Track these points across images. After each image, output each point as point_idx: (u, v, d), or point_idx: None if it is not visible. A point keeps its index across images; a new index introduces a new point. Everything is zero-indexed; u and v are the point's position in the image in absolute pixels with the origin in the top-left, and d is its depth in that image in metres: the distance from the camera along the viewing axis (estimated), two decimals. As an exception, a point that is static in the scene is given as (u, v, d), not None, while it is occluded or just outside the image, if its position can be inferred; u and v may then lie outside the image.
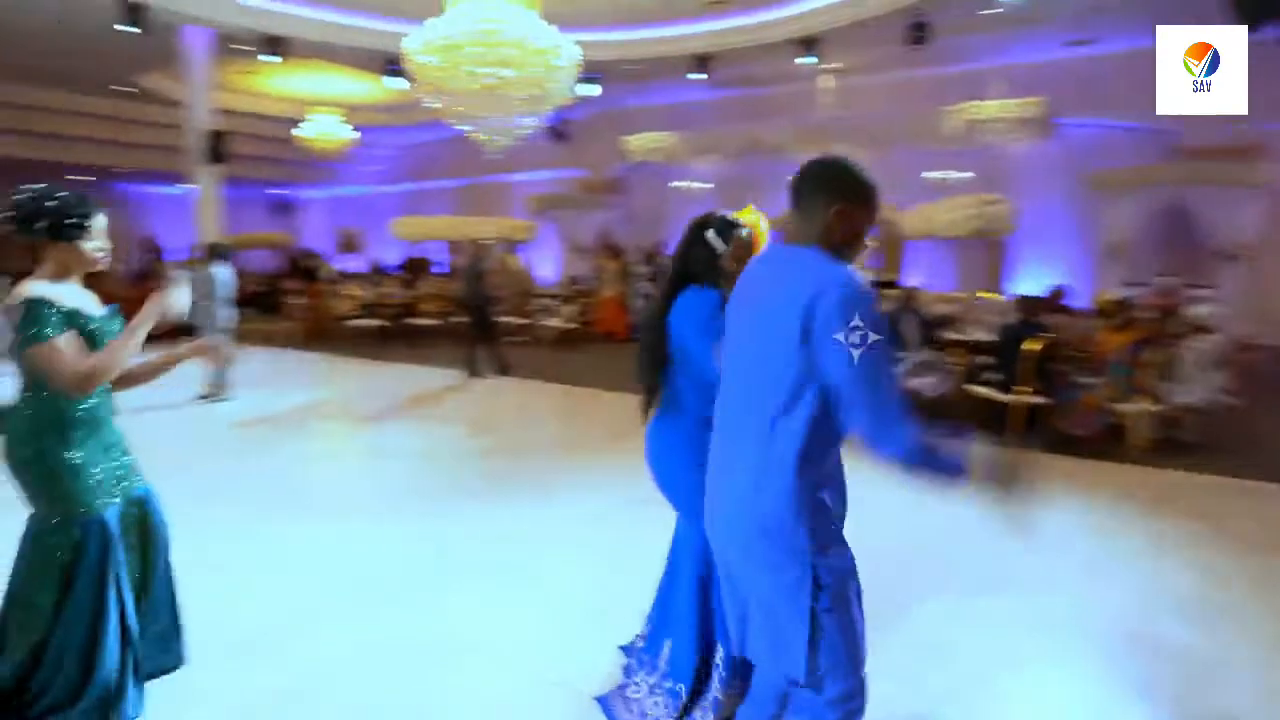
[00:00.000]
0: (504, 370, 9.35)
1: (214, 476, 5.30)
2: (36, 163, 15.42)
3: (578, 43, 11.66)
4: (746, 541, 1.73)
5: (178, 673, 2.84)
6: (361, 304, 12.18)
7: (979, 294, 10.38)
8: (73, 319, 2.47)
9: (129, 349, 2.50)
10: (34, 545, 2.58)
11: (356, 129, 15.94)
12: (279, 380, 9.10)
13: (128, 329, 2.53)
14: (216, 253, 7.79)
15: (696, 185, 15.51)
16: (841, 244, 1.74)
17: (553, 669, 2.86)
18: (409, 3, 10.08)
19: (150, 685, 2.75)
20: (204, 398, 7.62)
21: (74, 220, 2.53)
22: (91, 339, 2.53)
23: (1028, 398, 6.16)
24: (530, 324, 12.18)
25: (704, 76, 12.19)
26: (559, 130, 17.06)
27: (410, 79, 8.36)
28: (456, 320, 11.78)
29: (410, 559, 3.88)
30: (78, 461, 2.55)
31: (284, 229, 21.59)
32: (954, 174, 12.76)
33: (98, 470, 2.60)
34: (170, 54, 11.47)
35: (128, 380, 2.76)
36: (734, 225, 2.49)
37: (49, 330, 2.39)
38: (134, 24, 9.78)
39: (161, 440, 6.27)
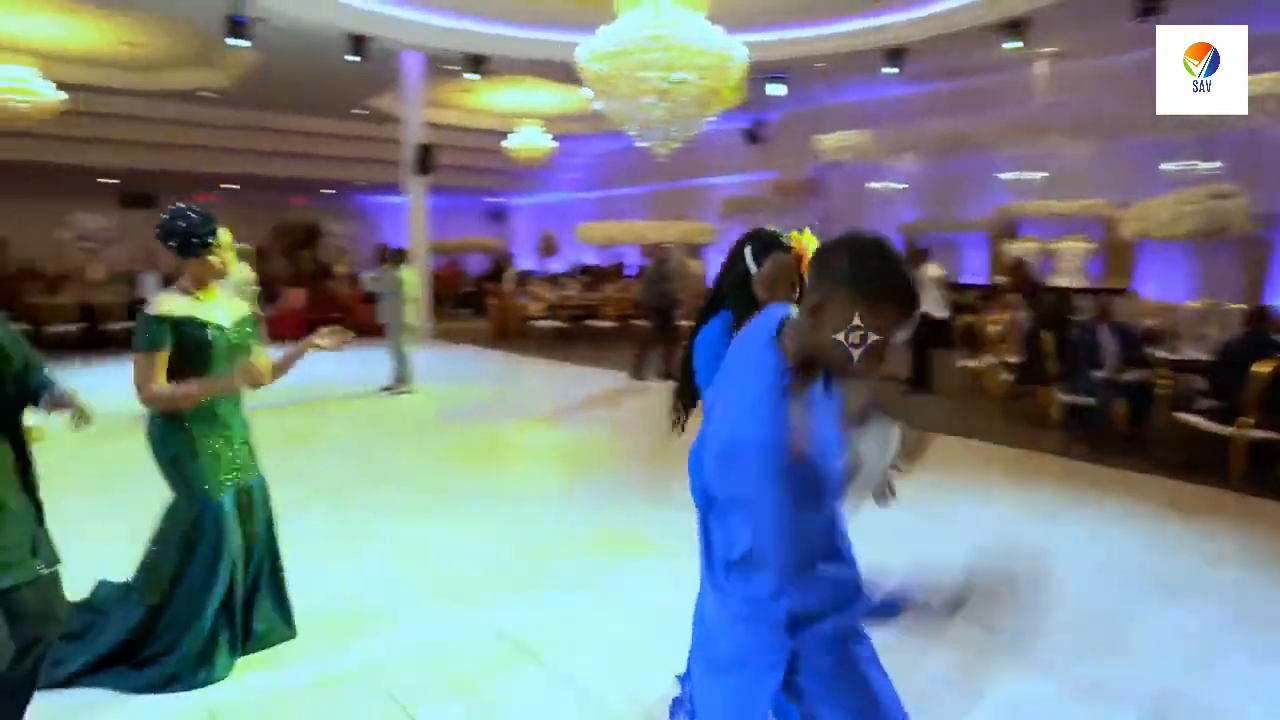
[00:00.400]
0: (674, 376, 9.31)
1: (362, 465, 5.73)
2: (292, 180, 17.73)
3: (763, 42, 11.47)
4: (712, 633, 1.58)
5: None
6: (548, 306, 12.74)
7: (1226, 304, 8.85)
8: (181, 328, 2.79)
9: (194, 398, 2.78)
10: (166, 519, 2.94)
11: (556, 138, 16.71)
12: (462, 376, 9.72)
13: (205, 385, 2.79)
14: (401, 257, 8.46)
15: (892, 186, 14.66)
16: (821, 348, 1.35)
17: (611, 694, 2.74)
18: (598, 15, 10.38)
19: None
20: (387, 389, 8.31)
21: (199, 239, 2.86)
22: (204, 345, 2.85)
23: (1253, 432, 5.14)
24: (706, 328, 12.11)
25: (896, 70, 11.46)
26: (752, 132, 16.85)
27: (583, 86, 8.58)
28: (635, 323, 11.99)
29: (507, 559, 3.94)
30: (196, 450, 2.87)
31: (497, 234, 23.18)
32: (1200, 164, 11.01)
33: (215, 458, 2.91)
34: (393, 77, 12.67)
35: (272, 374, 3.10)
36: (776, 245, 2.19)
37: (143, 344, 2.74)
38: (358, 53, 10.90)
39: (333, 427, 6.94)
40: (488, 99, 15.99)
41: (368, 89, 14.05)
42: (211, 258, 2.89)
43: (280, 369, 3.08)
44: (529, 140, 16.58)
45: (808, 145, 15.76)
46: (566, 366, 10.55)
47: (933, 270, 8.30)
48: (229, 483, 2.93)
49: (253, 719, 2.65)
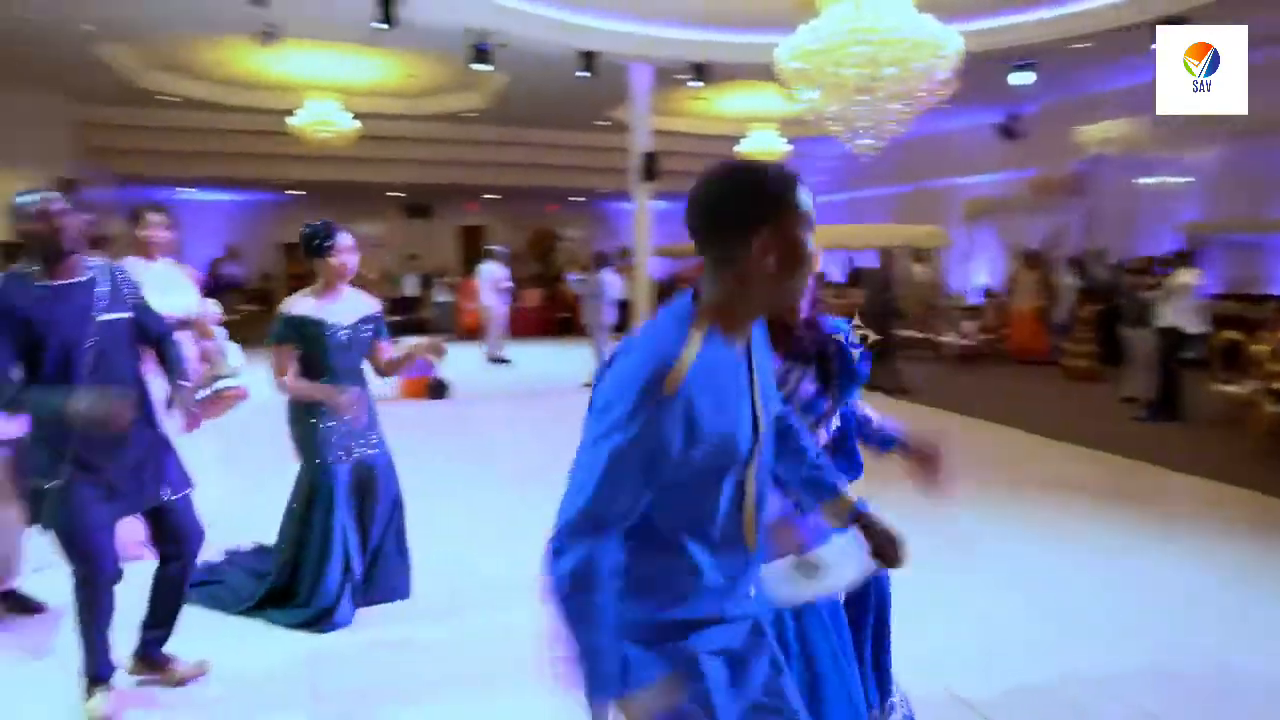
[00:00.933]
0: (897, 390, 8.69)
1: (543, 453, 6.10)
2: (544, 189, 19.22)
3: (1004, 27, 10.48)
4: None
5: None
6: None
7: None
8: (300, 325, 3.28)
9: (303, 393, 3.29)
10: (294, 485, 3.46)
11: (793, 142, 16.49)
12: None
13: (314, 388, 3.28)
14: (603, 261, 8.86)
15: (1171, 180, 12.63)
16: (750, 301, 1.32)
17: None
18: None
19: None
20: (588, 386, 8.76)
21: (318, 242, 3.33)
22: (320, 341, 3.30)
23: None
24: (929, 338, 11.31)
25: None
26: (1007, 126, 15.39)
27: (786, 88, 8.42)
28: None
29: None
30: (316, 427, 3.35)
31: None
32: None
33: (332, 436, 3.37)
34: (624, 89, 13.26)
35: (389, 369, 3.54)
36: None
37: (271, 339, 3.28)
38: (588, 69, 11.57)
39: (530, 418, 7.44)
40: (723, 105, 16.18)
41: (604, 101, 14.82)
42: (332, 259, 3.34)
43: (395, 366, 3.53)
44: (762, 144, 16.53)
45: (1070, 138, 14.09)
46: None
47: (1186, 276, 7.05)
48: (344, 457, 3.37)
49: (340, 665, 2.99)
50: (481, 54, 10.78)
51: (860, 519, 1.63)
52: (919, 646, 3.06)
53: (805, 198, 1.31)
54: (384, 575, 3.54)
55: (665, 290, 18.05)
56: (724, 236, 1.28)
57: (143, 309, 2.78)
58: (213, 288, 14.90)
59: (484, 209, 20.68)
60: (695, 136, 17.75)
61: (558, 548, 1.25)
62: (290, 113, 13.15)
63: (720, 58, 11.88)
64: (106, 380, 2.55)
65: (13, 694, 2.83)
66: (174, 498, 2.76)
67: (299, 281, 3.73)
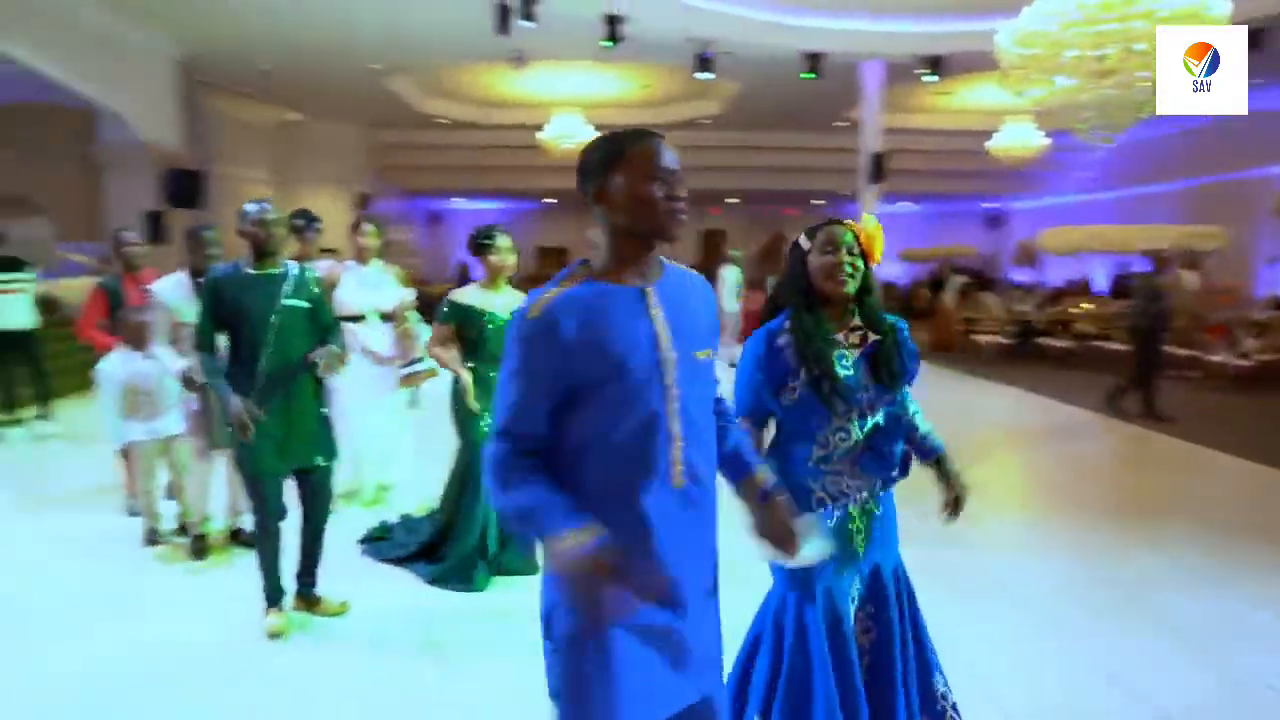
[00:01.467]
0: (1153, 416, 7.68)
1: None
2: (782, 193, 19.20)
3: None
4: None
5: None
6: (995, 320, 11.66)
7: None
8: (463, 312, 3.71)
9: (435, 358, 3.75)
10: (454, 460, 3.96)
11: (1050, 134, 14.99)
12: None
13: (445, 357, 3.71)
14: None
15: None
16: (627, 229, 1.49)
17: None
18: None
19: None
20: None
21: (478, 241, 3.78)
22: (479, 326, 3.73)
23: None
24: (1196, 357, 9.74)
25: None
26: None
27: (1008, 77, 7.74)
28: (1098, 344, 10.27)
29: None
30: (474, 407, 3.79)
31: (993, 241, 21.67)
32: None
33: (484, 418, 3.78)
34: (857, 88, 12.88)
35: None
36: (826, 222, 2.10)
37: (439, 318, 3.70)
38: (813, 70, 11.45)
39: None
40: (970, 98, 15.12)
41: (840, 102, 14.51)
42: (492, 256, 3.75)
43: None
44: (1016, 138, 15.20)
45: None
46: (1003, 389, 9.60)
47: None
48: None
49: (456, 620, 3.37)
50: (705, 63, 11.11)
51: (767, 499, 1.64)
52: (1020, 684, 2.83)
53: (644, 152, 1.46)
54: (515, 550, 3.90)
55: (905, 299, 17.21)
56: (583, 195, 1.53)
57: (318, 302, 3.35)
58: (460, 285, 16.85)
59: (725, 213, 21.10)
60: (942, 133, 16.80)
61: (487, 451, 1.54)
62: (540, 128, 14.42)
63: (955, 49, 11.16)
64: (284, 351, 3.14)
65: (213, 611, 3.53)
66: (324, 464, 3.31)
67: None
